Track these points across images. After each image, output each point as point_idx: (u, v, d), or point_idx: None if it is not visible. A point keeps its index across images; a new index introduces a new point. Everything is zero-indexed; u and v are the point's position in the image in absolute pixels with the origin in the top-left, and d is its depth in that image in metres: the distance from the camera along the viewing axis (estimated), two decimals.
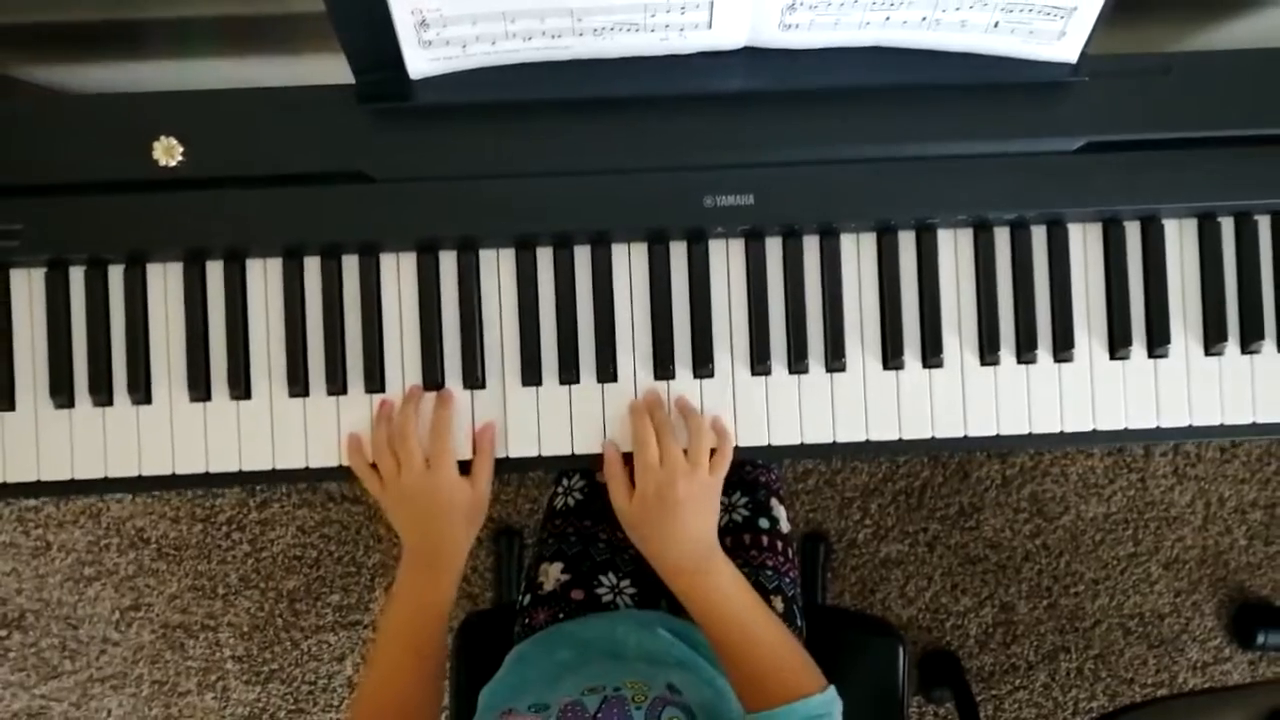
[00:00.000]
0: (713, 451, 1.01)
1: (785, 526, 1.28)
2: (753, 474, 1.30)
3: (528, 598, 1.22)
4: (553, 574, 1.21)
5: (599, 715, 0.90)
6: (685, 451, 0.99)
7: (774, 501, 1.28)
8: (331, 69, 0.97)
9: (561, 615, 1.18)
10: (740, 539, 1.24)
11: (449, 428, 1.00)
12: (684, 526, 0.99)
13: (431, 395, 1.02)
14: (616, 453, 1.02)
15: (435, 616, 1.00)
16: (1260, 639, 1.92)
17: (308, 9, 0.95)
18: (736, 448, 1.03)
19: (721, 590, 0.99)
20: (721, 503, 1.25)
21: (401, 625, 1.00)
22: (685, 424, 1.01)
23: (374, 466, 1.01)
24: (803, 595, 1.26)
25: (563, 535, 1.25)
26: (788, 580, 1.22)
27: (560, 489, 1.31)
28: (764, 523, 1.25)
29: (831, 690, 0.94)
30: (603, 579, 1.20)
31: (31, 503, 1.92)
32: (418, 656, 0.99)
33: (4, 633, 1.94)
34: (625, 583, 1.21)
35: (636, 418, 1.01)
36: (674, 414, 1.02)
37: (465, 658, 1.28)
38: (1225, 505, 1.96)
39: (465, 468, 1.01)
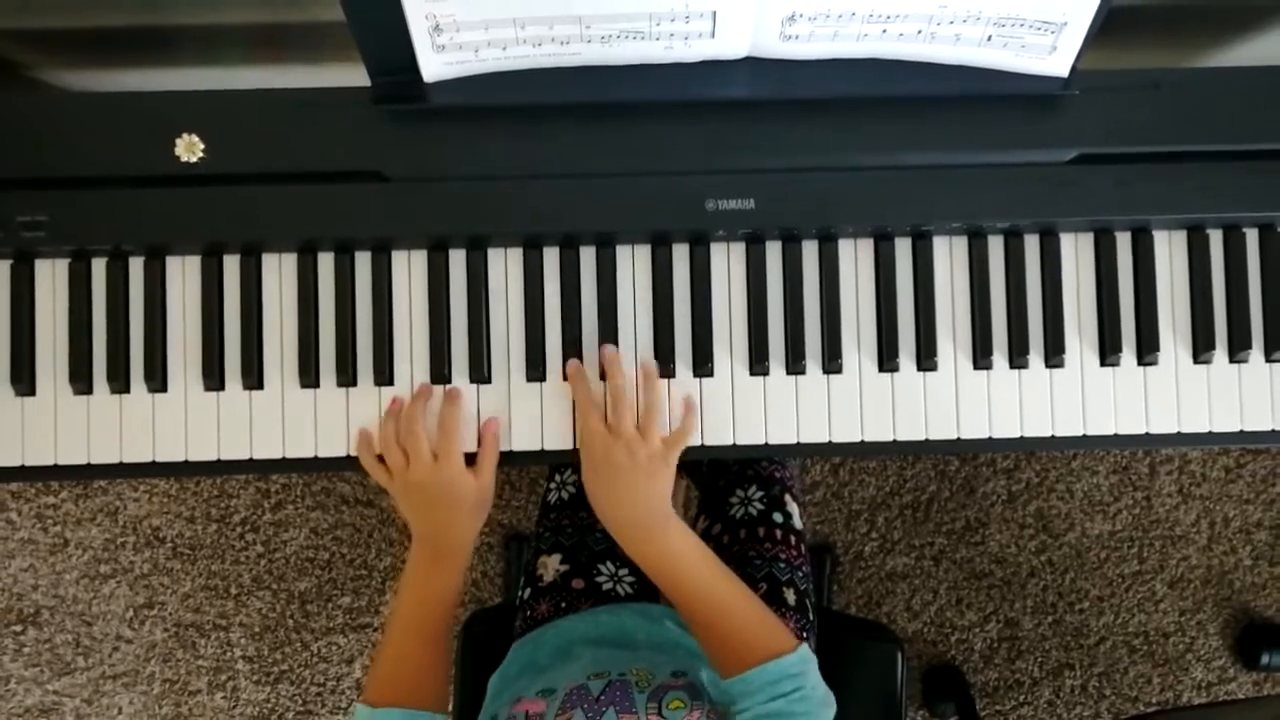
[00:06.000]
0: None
1: (799, 523, 1.30)
2: (768, 469, 1.32)
3: (528, 591, 1.23)
4: (551, 565, 1.23)
5: (602, 697, 0.92)
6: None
7: (788, 498, 1.30)
8: (350, 79, 0.99)
9: (564, 605, 1.19)
10: (755, 531, 1.25)
11: (457, 423, 1.02)
12: (626, 491, 1.00)
13: (440, 391, 1.04)
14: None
15: (443, 604, 1.03)
16: (1265, 659, 1.92)
17: (328, 18, 0.99)
18: (735, 446, 1.05)
19: (677, 557, 1.00)
20: (738, 496, 1.29)
21: (410, 614, 1.03)
22: (643, 393, 1.03)
23: (382, 460, 1.03)
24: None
25: (559, 527, 1.27)
26: (800, 574, 1.24)
27: (553, 484, 1.33)
28: (778, 517, 1.27)
29: (804, 648, 0.95)
30: (601, 568, 1.22)
31: (50, 500, 1.96)
32: (425, 643, 1.02)
33: (19, 628, 1.96)
34: (624, 570, 1.23)
35: (577, 383, 1.03)
36: (641, 382, 1.04)
37: (469, 655, 1.30)
38: (1230, 525, 1.96)
39: (471, 459, 1.03)
